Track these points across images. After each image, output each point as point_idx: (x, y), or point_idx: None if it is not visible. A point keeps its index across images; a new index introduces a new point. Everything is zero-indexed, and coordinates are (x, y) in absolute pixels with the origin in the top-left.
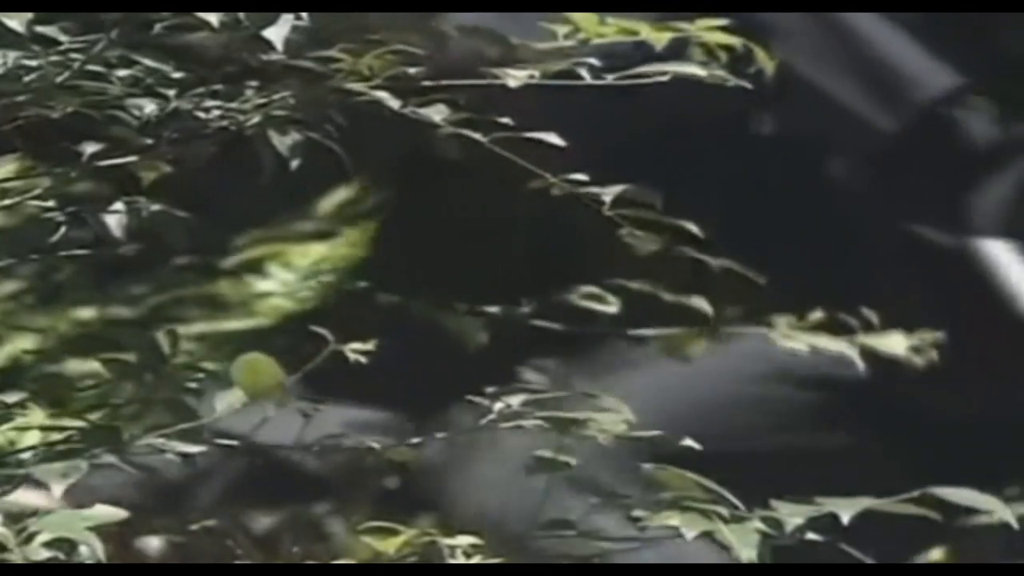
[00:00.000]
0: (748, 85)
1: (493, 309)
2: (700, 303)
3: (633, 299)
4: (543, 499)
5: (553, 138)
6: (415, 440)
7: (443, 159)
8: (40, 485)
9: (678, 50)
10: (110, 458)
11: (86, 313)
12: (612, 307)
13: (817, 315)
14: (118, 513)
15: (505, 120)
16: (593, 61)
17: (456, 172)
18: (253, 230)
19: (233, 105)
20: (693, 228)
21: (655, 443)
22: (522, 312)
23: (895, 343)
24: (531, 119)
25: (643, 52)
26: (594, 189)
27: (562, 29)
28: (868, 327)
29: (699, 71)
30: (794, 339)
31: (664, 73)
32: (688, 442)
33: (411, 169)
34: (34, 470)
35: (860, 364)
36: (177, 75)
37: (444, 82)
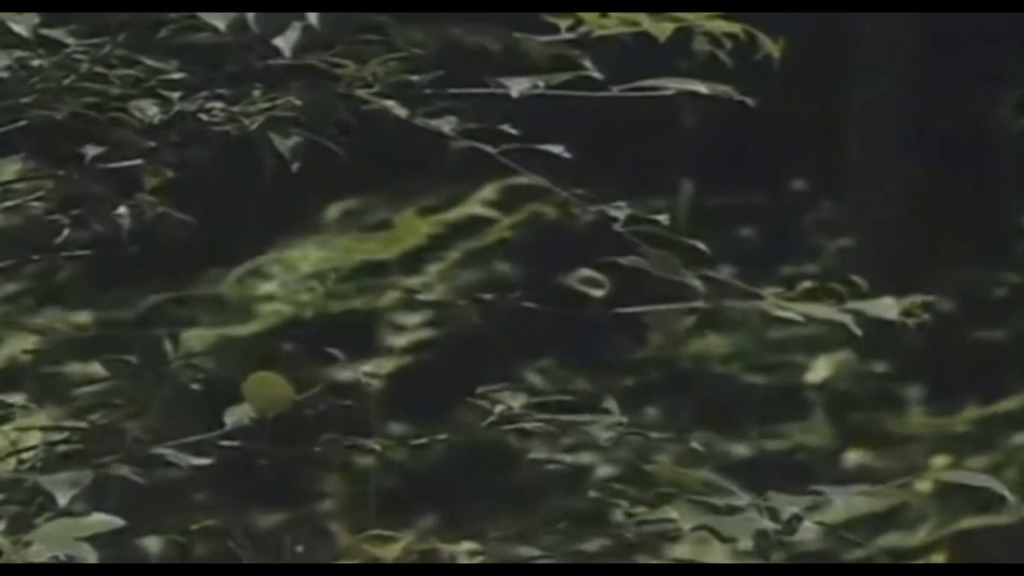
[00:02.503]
0: (751, 102)
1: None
2: (690, 279)
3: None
4: None
5: (559, 149)
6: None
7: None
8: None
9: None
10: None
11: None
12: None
13: (806, 284)
14: (114, 521)
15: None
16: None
17: None
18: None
19: (237, 109)
20: (701, 245)
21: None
22: (514, 296)
23: (886, 307)
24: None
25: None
26: (605, 207)
27: (564, 22)
28: (858, 293)
29: (702, 87)
30: (786, 309)
31: (669, 87)
32: (694, 445)
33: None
34: (41, 478)
35: (856, 330)
36: (179, 76)
37: (449, 90)
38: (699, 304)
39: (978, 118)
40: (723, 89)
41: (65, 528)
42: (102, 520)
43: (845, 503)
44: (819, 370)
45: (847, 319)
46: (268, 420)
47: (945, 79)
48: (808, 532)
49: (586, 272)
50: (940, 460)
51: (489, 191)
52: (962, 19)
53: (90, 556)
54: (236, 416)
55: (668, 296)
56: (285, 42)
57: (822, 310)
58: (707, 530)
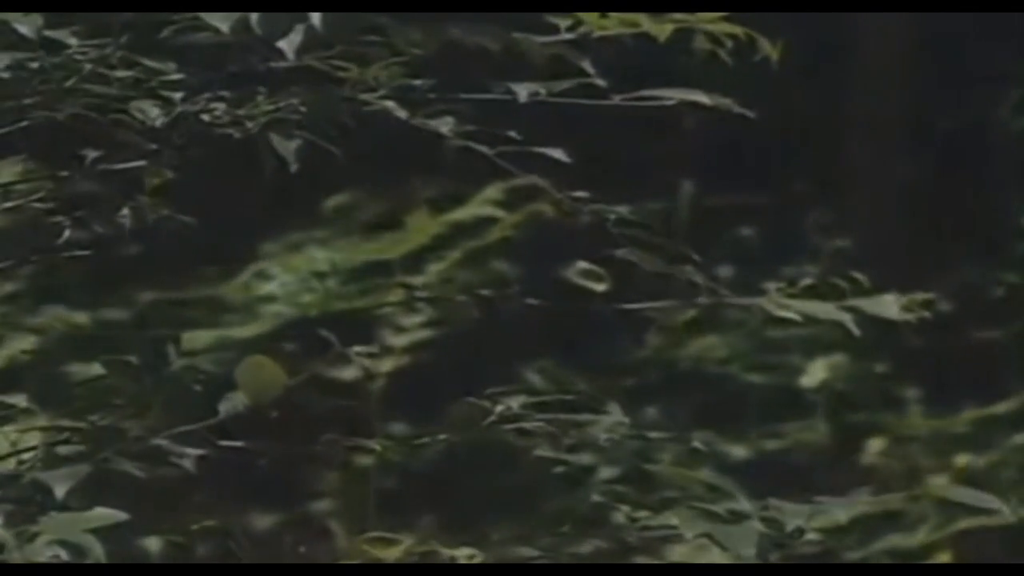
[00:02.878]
0: (751, 114)
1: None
2: (692, 274)
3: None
4: None
5: (558, 153)
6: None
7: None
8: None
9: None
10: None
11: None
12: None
13: (807, 281)
14: (117, 515)
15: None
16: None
17: None
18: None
19: (242, 112)
20: (694, 256)
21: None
22: (514, 292)
23: (887, 305)
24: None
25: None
26: (600, 207)
27: (564, 22)
28: (860, 290)
29: (704, 98)
30: (786, 307)
31: (671, 97)
32: (696, 444)
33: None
34: (39, 474)
35: (855, 329)
36: (181, 77)
37: (453, 95)
38: (701, 300)
39: (978, 118)
40: (724, 101)
41: (69, 522)
42: (105, 514)
43: (846, 509)
44: (815, 373)
45: (847, 318)
46: (268, 419)
47: (945, 79)
48: (809, 537)
49: (585, 266)
50: (962, 459)
51: (494, 191)
52: (962, 19)
53: (95, 548)
54: (230, 404)
55: (668, 293)
56: (288, 45)
57: (823, 308)
58: (709, 538)
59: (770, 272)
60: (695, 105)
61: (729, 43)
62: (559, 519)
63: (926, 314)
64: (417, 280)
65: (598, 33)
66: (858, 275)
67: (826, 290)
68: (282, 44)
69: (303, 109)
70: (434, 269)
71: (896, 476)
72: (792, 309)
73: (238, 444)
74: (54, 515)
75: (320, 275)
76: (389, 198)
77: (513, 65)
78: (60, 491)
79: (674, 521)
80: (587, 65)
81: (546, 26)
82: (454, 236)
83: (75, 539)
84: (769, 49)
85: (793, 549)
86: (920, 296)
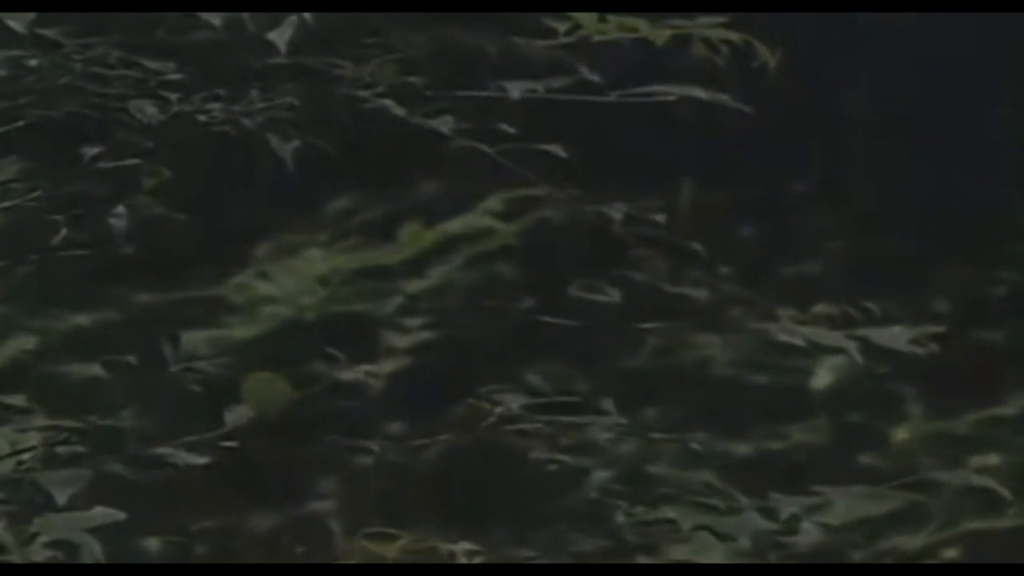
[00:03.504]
0: (747, 109)
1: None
2: (702, 295)
3: (635, 292)
4: None
5: (558, 149)
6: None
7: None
8: None
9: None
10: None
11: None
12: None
13: (819, 308)
14: (115, 514)
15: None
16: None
17: None
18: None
19: (237, 108)
20: (697, 246)
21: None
22: (524, 306)
23: (895, 336)
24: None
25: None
26: (602, 207)
27: (563, 26)
28: (871, 320)
29: (701, 93)
30: (793, 332)
31: (668, 93)
32: (695, 445)
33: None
34: (39, 477)
35: (858, 357)
36: (177, 76)
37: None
38: (710, 320)
39: (978, 118)
40: (721, 97)
41: (69, 521)
42: (104, 513)
43: (846, 504)
44: (823, 375)
45: (853, 346)
46: (270, 420)
47: (945, 79)
48: (811, 535)
49: (593, 282)
50: (991, 459)
51: (494, 201)
52: (962, 19)
53: (93, 546)
54: (235, 416)
55: (677, 307)
56: (279, 36)
57: (830, 336)
58: (706, 529)
59: (770, 273)
60: (695, 101)
61: (725, 50)
62: (559, 518)
63: (935, 347)
64: (419, 284)
65: (597, 37)
66: (870, 305)
67: (836, 317)
68: (273, 36)
69: (296, 103)
70: (436, 272)
71: (896, 477)
72: (800, 335)
73: (238, 445)
74: (52, 515)
75: (319, 277)
76: (389, 199)
77: (512, 68)
78: (62, 497)
79: (671, 515)
80: (584, 67)
81: (545, 30)
82: (455, 242)
83: (73, 539)
84: (767, 55)
85: (794, 548)
86: (929, 329)
